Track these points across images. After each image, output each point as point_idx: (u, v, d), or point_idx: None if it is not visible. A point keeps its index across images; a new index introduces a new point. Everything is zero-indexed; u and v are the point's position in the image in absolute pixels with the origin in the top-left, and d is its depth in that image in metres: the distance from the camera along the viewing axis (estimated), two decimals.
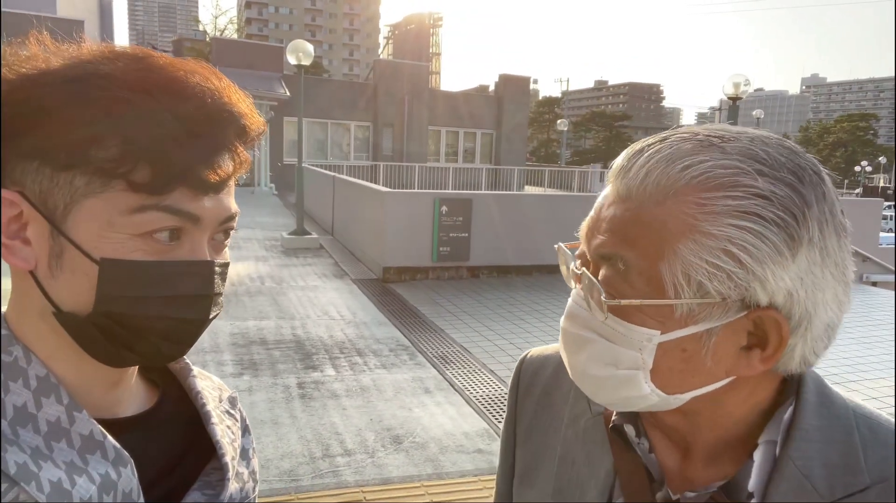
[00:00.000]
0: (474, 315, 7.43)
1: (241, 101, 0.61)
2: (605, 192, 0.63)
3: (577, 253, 0.66)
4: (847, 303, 0.59)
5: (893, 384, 5.82)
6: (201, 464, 0.70)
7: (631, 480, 0.68)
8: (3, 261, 0.58)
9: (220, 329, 6.25)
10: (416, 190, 18.83)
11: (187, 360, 0.73)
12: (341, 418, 4.43)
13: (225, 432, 0.72)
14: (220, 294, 0.62)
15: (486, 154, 28.31)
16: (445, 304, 7.85)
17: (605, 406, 0.67)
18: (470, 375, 5.39)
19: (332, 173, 13.86)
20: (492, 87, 33.57)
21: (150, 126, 0.54)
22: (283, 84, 21.95)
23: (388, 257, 8.93)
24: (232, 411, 0.77)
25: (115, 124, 0.54)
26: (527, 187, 27.10)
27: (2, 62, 0.56)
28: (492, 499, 0.92)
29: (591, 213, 0.64)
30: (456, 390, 5.05)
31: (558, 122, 42.49)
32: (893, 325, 7.92)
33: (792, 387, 0.64)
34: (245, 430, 0.78)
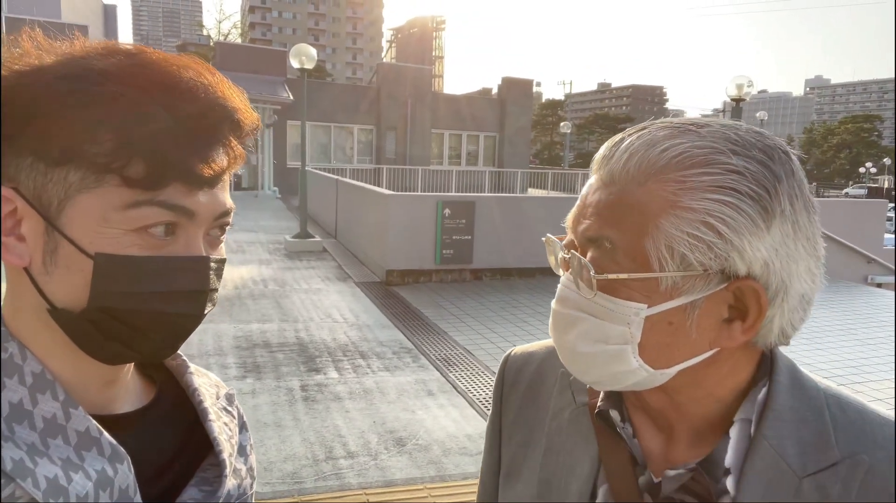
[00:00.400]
0: (477, 317, 7.43)
1: (235, 96, 0.61)
2: (590, 182, 0.67)
3: (564, 242, 0.68)
4: (819, 277, 0.63)
5: (894, 385, 5.80)
6: (198, 461, 0.70)
7: (615, 466, 0.70)
8: None
9: (223, 332, 6.26)
10: (419, 193, 18.85)
11: (184, 357, 0.73)
12: (344, 421, 4.43)
13: (222, 429, 0.72)
14: (215, 290, 0.62)
15: (490, 157, 28.31)
16: (448, 307, 7.85)
17: (593, 385, 0.69)
18: (473, 377, 5.38)
19: (336, 176, 13.88)
20: (495, 90, 33.56)
21: (143, 121, 0.54)
22: (287, 88, 22.01)
23: (391, 260, 8.93)
24: (229, 408, 0.77)
25: (108, 120, 0.54)
26: (530, 190, 27.07)
27: (1, 63, 0.56)
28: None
29: (577, 202, 0.67)
30: (459, 392, 5.04)
31: (561, 124, 42.52)
32: (894, 327, 7.89)
33: (765, 368, 0.67)
34: (242, 427, 0.78)
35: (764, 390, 0.66)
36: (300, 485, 3.57)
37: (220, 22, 55.72)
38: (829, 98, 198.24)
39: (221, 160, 0.59)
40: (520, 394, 0.85)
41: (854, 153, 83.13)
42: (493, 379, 5.70)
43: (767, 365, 0.67)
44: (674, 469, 0.66)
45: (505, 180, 26.39)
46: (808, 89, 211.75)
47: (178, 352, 0.67)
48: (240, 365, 5.40)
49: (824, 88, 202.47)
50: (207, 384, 0.76)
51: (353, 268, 9.87)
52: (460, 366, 5.65)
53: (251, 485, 0.75)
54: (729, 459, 0.64)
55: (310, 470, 3.74)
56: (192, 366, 0.75)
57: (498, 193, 22.08)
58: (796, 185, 0.60)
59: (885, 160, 71.09)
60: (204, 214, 0.59)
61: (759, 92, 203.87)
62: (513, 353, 0.90)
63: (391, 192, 9.85)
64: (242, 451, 0.76)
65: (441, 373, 5.45)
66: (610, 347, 0.63)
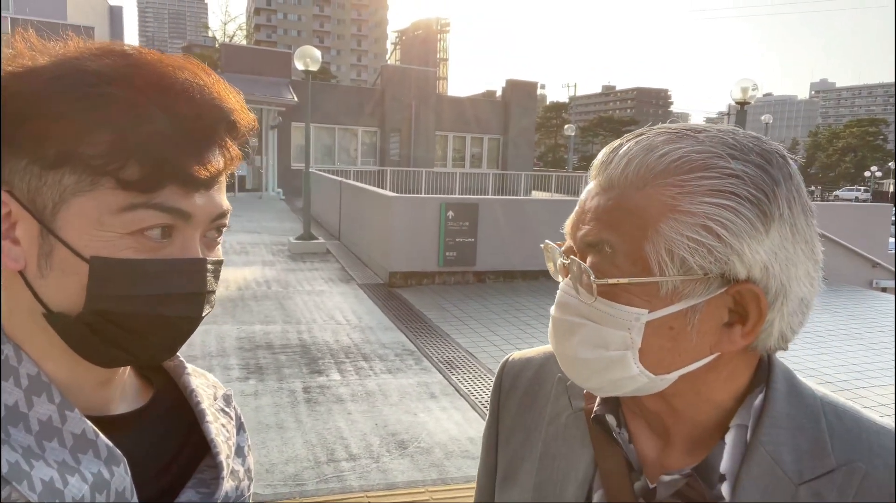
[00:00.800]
0: (480, 320, 7.42)
1: (231, 97, 0.60)
2: (588, 188, 0.67)
3: (563, 248, 0.68)
4: (818, 280, 0.63)
5: (894, 389, 5.77)
6: (196, 463, 0.69)
7: (611, 471, 0.70)
8: None
9: (226, 333, 6.26)
10: (422, 195, 18.84)
11: (181, 358, 0.73)
12: (346, 423, 4.42)
13: (220, 430, 0.71)
14: (212, 292, 0.61)
15: (493, 159, 28.32)
16: (451, 309, 7.84)
17: (593, 391, 0.69)
18: (475, 380, 5.38)
19: (339, 178, 13.89)
20: (499, 93, 33.59)
21: (139, 123, 0.54)
22: (291, 90, 22.06)
23: (394, 262, 8.93)
24: (227, 409, 0.76)
25: (103, 121, 0.53)
26: (534, 192, 27.05)
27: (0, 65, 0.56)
28: None
29: (576, 208, 0.67)
30: (461, 395, 5.04)
31: (565, 127, 42.51)
32: (894, 330, 7.86)
33: (762, 375, 0.67)
34: (240, 428, 0.78)
35: (760, 396, 0.66)
36: (301, 488, 3.56)
37: (225, 24, 55.89)
38: (834, 101, 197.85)
39: (217, 161, 0.59)
40: (517, 399, 0.85)
41: (859, 157, 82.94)
42: (493, 381, 5.73)
43: (764, 371, 0.67)
44: (668, 474, 0.66)
45: (508, 183, 26.38)
46: (813, 93, 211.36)
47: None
48: (242, 366, 5.40)
49: (829, 92, 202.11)
50: (205, 385, 0.76)
51: (357, 270, 9.87)
52: (463, 369, 5.65)
53: (249, 486, 0.75)
54: (724, 465, 0.64)
55: (311, 472, 3.74)
56: (190, 367, 0.74)
57: (501, 196, 22.07)
58: (794, 188, 0.60)
59: (889, 164, 70.88)
60: (200, 216, 0.59)
61: (764, 95, 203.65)
62: (511, 359, 0.90)
63: (395, 194, 9.86)
64: (240, 452, 0.75)
65: (443, 376, 5.44)
66: (610, 353, 0.62)
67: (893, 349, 6.97)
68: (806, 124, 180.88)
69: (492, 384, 0.92)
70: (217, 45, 36.19)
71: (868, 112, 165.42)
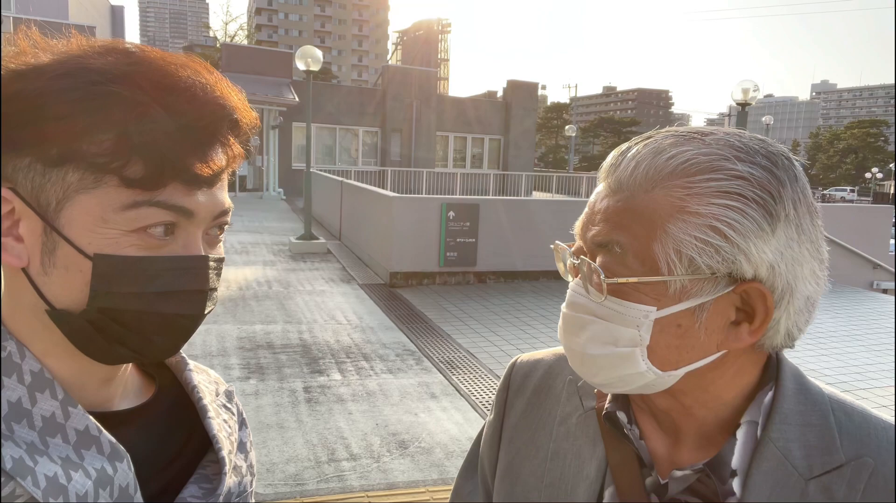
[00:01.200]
0: (481, 320, 7.42)
1: (233, 95, 0.61)
2: (598, 190, 0.68)
3: (573, 248, 0.70)
4: (823, 280, 0.64)
5: (894, 390, 5.77)
6: (198, 458, 0.70)
7: (622, 467, 0.71)
8: None
9: (227, 333, 6.27)
10: (423, 195, 18.84)
11: (183, 355, 0.73)
12: (347, 423, 4.43)
13: (222, 426, 0.72)
14: (214, 289, 0.62)
15: (494, 159, 28.32)
16: (452, 310, 7.84)
17: (602, 388, 0.70)
18: (476, 381, 5.38)
19: (340, 178, 13.90)
20: (500, 93, 33.59)
21: (142, 121, 0.54)
22: (293, 90, 22.06)
23: (395, 262, 8.93)
24: (229, 405, 0.77)
25: (106, 119, 0.54)
26: (534, 193, 27.07)
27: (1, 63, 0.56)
28: None
29: (585, 209, 0.69)
30: (462, 395, 5.04)
31: (566, 127, 42.54)
32: (894, 332, 7.86)
33: (771, 372, 0.68)
34: (242, 424, 0.78)
35: (770, 393, 0.67)
36: (302, 487, 3.57)
37: (226, 24, 55.96)
38: (835, 103, 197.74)
39: (220, 159, 0.59)
40: (525, 400, 0.86)
41: (860, 158, 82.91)
42: (496, 382, 5.69)
43: (773, 369, 0.69)
44: (681, 470, 0.67)
45: (509, 183, 26.39)
46: (814, 94, 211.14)
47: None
48: (243, 366, 5.41)
49: (830, 93, 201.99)
50: (207, 381, 0.76)
51: (357, 270, 9.87)
52: (463, 369, 5.65)
53: (251, 482, 0.75)
54: (736, 461, 0.65)
55: (312, 471, 3.74)
56: (192, 363, 0.75)
57: (502, 196, 22.07)
58: (800, 189, 0.61)
59: (890, 165, 70.84)
60: (203, 214, 0.59)
61: (765, 96, 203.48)
62: (520, 359, 0.92)
63: (396, 195, 9.86)
64: (242, 448, 0.76)
65: (444, 376, 5.44)
66: (619, 350, 0.64)
67: (894, 350, 6.97)
68: (807, 125, 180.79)
69: (492, 384, 0.93)
70: (218, 45, 36.22)
71: (869, 113, 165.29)
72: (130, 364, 0.68)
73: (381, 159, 25.69)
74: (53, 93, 0.54)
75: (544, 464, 0.78)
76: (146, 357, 0.62)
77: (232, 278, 8.73)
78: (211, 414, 0.71)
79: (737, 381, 0.67)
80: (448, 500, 0.98)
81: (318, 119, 22.96)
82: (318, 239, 11.54)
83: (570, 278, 0.70)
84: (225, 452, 0.69)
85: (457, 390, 5.14)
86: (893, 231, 13.95)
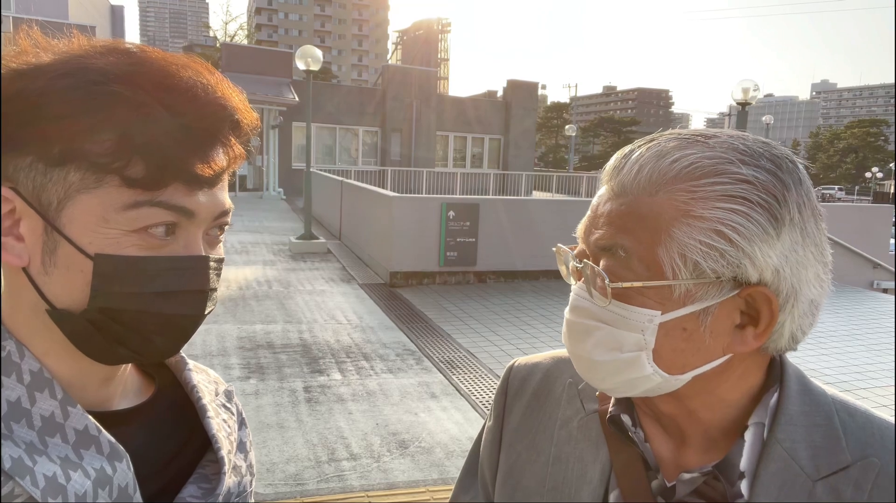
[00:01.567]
0: (481, 320, 7.42)
1: (234, 95, 0.61)
2: (600, 193, 0.67)
3: (576, 252, 0.69)
4: (827, 283, 0.64)
5: (894, 390, 5.77)
6: (197, 458, 0.70)
7: (627, 470, 0.71)
8: None
9: (227, 333, 6.27)
10: (423, 195, 18.86)
11: (182, 354, 0.73)
12: (347, 422, 4.43)
13: (221, 426, 0.72)
14: (214, 289, 0.62)
15: (494, 159, 28.31)
16: (452, 309, 7.84)
17: (608, 392, 0.70)
18: (476, 380, 5.38)
19: (340, 178, 13.89)
20: (500, 93, 33.59)
21: (143, 121, 0.54)
22: (293, 89, 22.05)
23: (395, 262, 8.93)
24: (228, 405, 0.77)
25: (108, 119, 0.54)
26: (534, 192, 27.05)
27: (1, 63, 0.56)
28: None
29: (588, 212, 0.68)
30: (462, 395, 5.04)
31: (566, 127, 42.56)
32: (894, 331, 7.85)
33: (775, 375, 0.68)
34: (241, 423, 0.78)
35: (775, 395, 0.67)
36: (302, 487, 3.57)
37: (226, 23, 55.95)
38: (835, 102, 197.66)
39: (221, 160, 0.59)
40: (524, 404, 0.85)
41: (860, 158, 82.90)
42: (496, 382, 5.72)
43: (777, 371, 0.69)
44: (689, 472, 0.67)
45: (509, 183, 26.39)
46: (814, 93, 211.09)
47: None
48: (243, 366, 5.41)
49: (830, 93, 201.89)
50: (206, 381, 0.76)
51: (357, 270, 9.87)
52: (463, 369, 5.65)
53: (251, 481, 0.75)
54: (744, 463, 0.65)
55: (312, 471, 3.74)
56: (191, 363, 0.75)
57: (502, 196, 22.07)
58: (804, 193, 0.61)
59: (890, 165, 70.81)
60: (203, 214, 0.59)
61: (765, 96, 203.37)
62: (518, 363, 0.91)
63: (396, 194, 9.86)
64: (242, 448, 0.76)
65: (444, 376, 5.44)
66: (624, 355, 0.63)
67: (894, 350, 6.97)
68: (807, 125, 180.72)
69: (493, 384, 0.92)
70: (218, 45, 36.21)
71: (869, 113, 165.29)
72: (130, 364, 0.68)
73: (381, 159, 25.69)
74: (55, 92, 0.54)
75: (546, 469, 0.77)
76: (146, 357, 0.61)
77: (232, 278, 8.73)
78: (210, 413, 0.71)
79: (741, 384, 0.66)
80: (448, 499, 0.98)
81: (318, 119, 22.96)
82: (318, 239, 11.54)
83: (572, 281, 0.70)
84: (224, 452, 0.69)
85: (457, 390, 5.14)
86: (893, 231, 13.94)
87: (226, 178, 0.62)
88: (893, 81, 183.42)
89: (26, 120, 0.54)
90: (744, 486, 0.64)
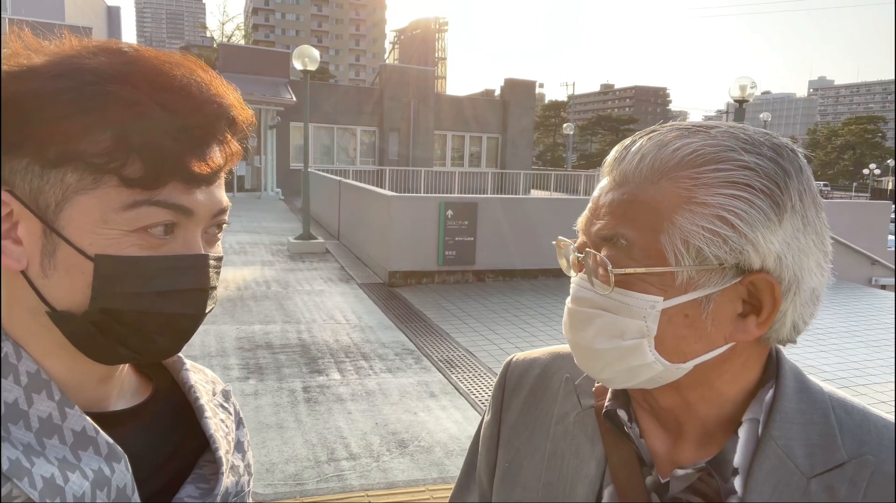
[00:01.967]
0: (480, 319, 7.42)
1: (229, 93, 0.61)
2: (601, 185, 0.67)
3: (576, 244, 0.69)
4: (827, 272, 0.64)
5: (894, 386, 5.78)
6: (195, 458, 0.70)
7: (621, 466, 0.71)
8: None
9: (226, 333, 6.26)
10: (421, 194, 18.86)
11: (180, 354, 0.73)
12: (346, 422, 4.43)
13: (219, 426, 0.72)
14: (214, 287, 0.62)
15: (492, 158, 28.31)
16: (451, 308, 7.84)
17: (607, 383, 0.70)
18: (475, 379, 5.38)
19: (339, 178, 13.88)
20: (497, 92, 33.59)
21: (139, 120, 0.54)
22: (290, 89, 22.03)
23: (393, 261, 8.93)
24: (226, 404, 0.77)
25: (103, 119, 0.53)
26: (533, 191, 27.05)
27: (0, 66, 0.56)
28: None
29: (589, 204, 0.68)
30: (461, 394, 5.04)
31: (564, 125, 42.57)
32: (893, 328, 7.87)
33: (771, 371, 0.68)
34: (239, 423, 0.78)
35: (771, 392, 0.67)
36: (302, 487, 3.57)
37: (223, 24, 55.91)
38: (832, 99, 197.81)
39: (218, 157, 0.59)
40: (521, 400, 0.85)
41: (858, 154, 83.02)
42: (495, 381, 5.81)
43: (773, 367, 0.68)
44: (683, 468, 0.67)
45: (507, 182, 26.39)
46: (811, 90, 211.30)
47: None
48: (242, 366, 5.40)
49: (828, 90, 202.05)
50: (203, 380, 0.76)
51: (356, 270, 9.87)
52: (462, 368, 5.65)
53: (249, 481, 0.75)
54: (738, 459, 0.65)
55: (312, 471, 3.74)
56: (188, 363, 0.74)
57: (500, 195, 22.06)
58: (805, 181, 0.62)
59: (888, 161, 70.93)
60: (202, 213, 0.59)
61: (763, 93, 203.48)
62: (515, 358, 0.91)
63: (394, 194, 9.86)
64: (240, 447, 0.75)
65: (443, 375, 5.44)
66: (626, 342, 0.63)
67: (893, 346, 6.98)
68: (804, 122, 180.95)
69: (492, 383, 0.92)
70: (215, 45, 36.17)
71: (866, 109, 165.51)
72: (127, 364, 0.67)
73: (378, 158, 25.68)
74: (49, 94, 0.53)
75: (542, 464, 0.77)
76: (147, 357, 0.61)
77: (230, 278, 8.72)
78: (208, 413, 0.71)
79: (740, 378, 0.66)
80: (448, 501, 0.98)
81: (316, 119, 22.95)
82: (316, 239, 11.54)
83: (572, 273, 0.69)
84: (222, 452, 0.69)
85: (456, 389, 5.14)
86: (891, 227, 13.96)
87: (223, 176, 0.62)
88: (891, 77, 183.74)
89: (21, 122, 0.54)
90: (737, 483, 0.64)
